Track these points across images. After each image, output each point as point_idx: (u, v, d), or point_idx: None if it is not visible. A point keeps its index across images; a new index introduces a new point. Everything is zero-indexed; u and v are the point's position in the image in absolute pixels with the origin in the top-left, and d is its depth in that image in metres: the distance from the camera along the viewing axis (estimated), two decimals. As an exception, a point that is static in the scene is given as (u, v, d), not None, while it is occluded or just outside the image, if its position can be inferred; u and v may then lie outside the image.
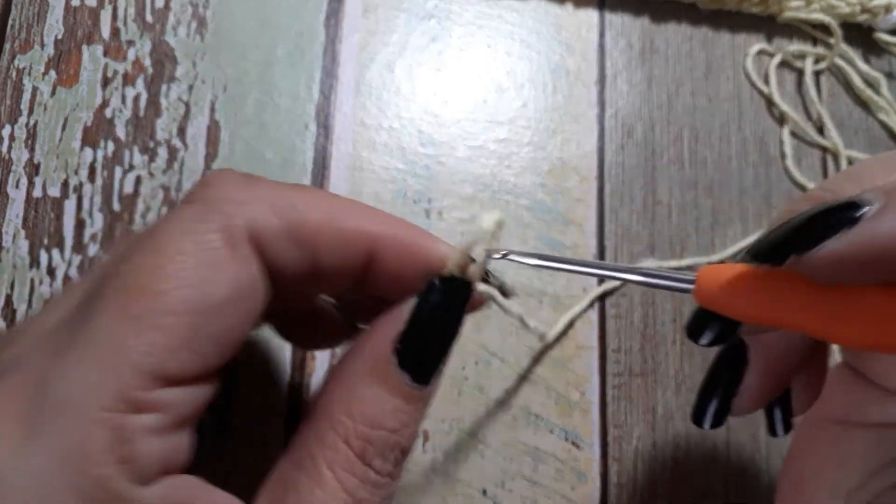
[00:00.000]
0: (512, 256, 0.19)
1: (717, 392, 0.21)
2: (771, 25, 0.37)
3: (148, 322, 0.15)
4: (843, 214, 0.14)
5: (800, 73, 0.36)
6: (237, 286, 0.16)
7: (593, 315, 0.31)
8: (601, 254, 0.32)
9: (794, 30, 0.37)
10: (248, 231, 0.16)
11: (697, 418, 0.21)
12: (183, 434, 0.16)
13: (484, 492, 0.29)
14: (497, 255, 0.19)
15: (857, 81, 0.36)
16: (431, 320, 0.18)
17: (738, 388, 0.21)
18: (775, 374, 0.20)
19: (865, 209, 0.14)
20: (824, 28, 0.36)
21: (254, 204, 0.17)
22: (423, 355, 0.18)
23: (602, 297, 0.31)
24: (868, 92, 0.36)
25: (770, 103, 0.35)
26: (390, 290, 0.19)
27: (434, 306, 0.18)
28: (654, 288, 0.18)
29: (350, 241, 0.18)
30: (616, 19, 0.36)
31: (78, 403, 0.14)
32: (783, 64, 0.36)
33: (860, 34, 0.37)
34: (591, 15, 0.35)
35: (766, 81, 0.36)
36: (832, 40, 0.36)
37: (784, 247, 0.15)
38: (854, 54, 0.36)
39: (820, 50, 0.36)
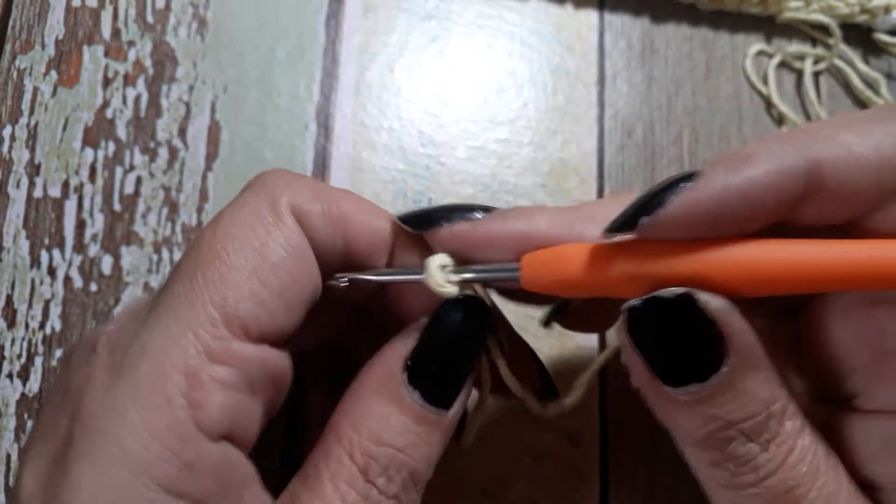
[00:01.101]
0: (354, 276, 0.20)
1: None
2: (770, 26, 0.37)
3: (216, 278, 0.17)
4: (678, 183, 0.17)
5: (799, 73, 0.36)
6: (290, 249, 0.18)
7: (593, 315, 0.31)
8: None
9: (794, 30, 0.37)
10: (290, 206, 0.18)
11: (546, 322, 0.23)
12: (251, 402, 0.17)
13: (484, 491, 0.29)
14: (344, 280, 0.20)
15: (857, 82, 0.36)
16: (444, 338, 0.19)
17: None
18: None
19: (695, 177, 0.17)
20: (824, 29, 0.36)
21: (297, 189, 0.19)
22: (436, 375, 0.18)
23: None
24: (868, 93, 0.36)
25: (769, 104, 0.36)
26: (406, 304, 0.20)
27: (448, 324, 0.19)
28: (486, 282, 0.20)
29: (378, 233, 0.20)
30: (616, 20, 0.36)
31: (157, 350, 0.16)
32: (782, 65, 0.36)
33: (859, 35, 0.37)
34: (590, 15, 0.35)
35: (766, 82, 0.36)
36: (832, 41, 0.36)
37: (636, 215, 0.17)
38: (853, 55, 0.36)
39: (819, 51, 0.36)
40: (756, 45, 0.36)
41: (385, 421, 0.18)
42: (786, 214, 0.17)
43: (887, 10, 0.36)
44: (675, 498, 0.30)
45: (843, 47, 0.36)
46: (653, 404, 0.19)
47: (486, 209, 0.20)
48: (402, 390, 0.18)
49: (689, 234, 0.17)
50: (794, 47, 0.36)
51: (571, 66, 0.35)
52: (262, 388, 0.17)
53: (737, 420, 0.17)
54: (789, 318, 0.22)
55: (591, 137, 0.34)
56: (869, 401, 0.20)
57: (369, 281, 0.20)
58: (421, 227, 0.20)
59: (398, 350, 0.19)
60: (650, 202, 0.17)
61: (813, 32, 0.37)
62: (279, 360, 0.18)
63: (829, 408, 0.21)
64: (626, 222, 0.17)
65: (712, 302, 0.17)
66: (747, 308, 0.18)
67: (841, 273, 0.16)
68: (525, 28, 0.35)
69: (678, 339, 0.17)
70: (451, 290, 0.19)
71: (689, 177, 0.17)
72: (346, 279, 0.20)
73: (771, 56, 0.36)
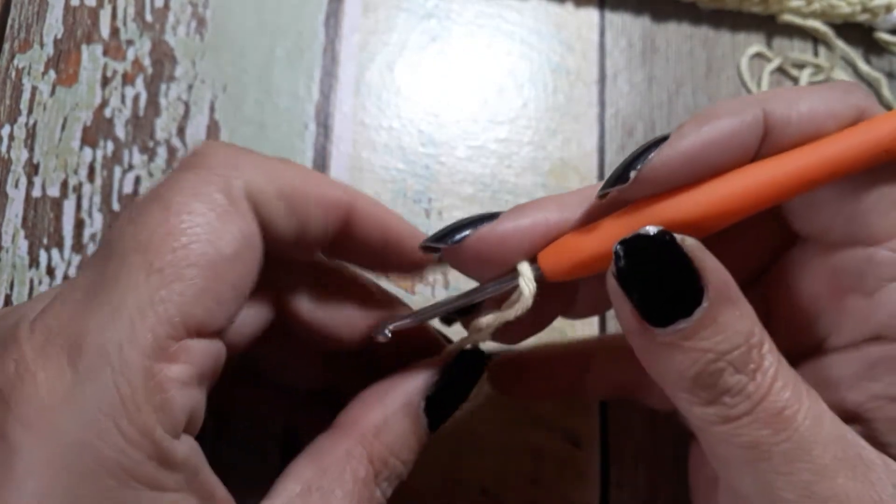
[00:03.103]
0: (396, 325, 0.22)
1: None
2: (772, 25, 0.36)
3: (172, 275, 0.16)
4: (656, 144, 0.20)
5: (795, 81, 0.36)
6: (242, 239, 0.18)
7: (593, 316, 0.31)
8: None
9: (795, 29, 0.37)
10: (245, 192, 0.18)
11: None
12: (202, 393, 0.18)
13: (484, 491, 0.29)
14: (388, 333, 0.22)
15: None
16: (459, 383, 0.22)
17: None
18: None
19: (665, 138, 0.20)
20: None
21: (249, 169, 0.19)
22: (442, 408, 0.22)
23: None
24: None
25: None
26: (357, 258, 0.23)
27: (460, 369, 0.22)
28: (510, 290, 0.22)
29: (332, 206, 0.20)
30: (616, 19, 0.35)
31: (117, 354, 0.16)
32: (780, 69, 0.36)
33: (861, 34, 0.37)
34: (591, 14, 0.35)
35: (760, 86, 0.36)
36: (835, 41, 0.36)
37: (625, 171, 0.20)
38: (855, 54, 0.36)
39: (820, 60, 0.36)
40: (755, 45, 0.36)
41: (402, 438, 0.21)
42: (748, 160, 0.20)
43: (888, 9, 0.36)
44: (675, 499, 0.30)
45: (844, 47, 0.36)
46: (642, 353, 0.20)
47: (494, 215, 0.22)
48: (419, 415, 0.21)
49: (669, 186, 0.20)
50: (796, 47, 0.36)
51: (572, 65, 0.35)
52: (207, 377, 0.18)
53: (724, 351, 0.18)
54: (756, 284, 0.24)
55: (592, 136, 0.34)
56: (838, 338, 0.22)
57: (411, 324, 0.22)
58: (447, 241, 0.21)
59: (421, 381, 0.22)
60: (634, 161, 0.20)
61: (815, 32, 0.36)
62: (221, 349, 0.18)
63: (803, 362, 0.23)
64: (616, 179, 0.20)
65: (687, 239, 0.19)
66: None
67: (780, 183, 0.19)
68: (525, 27, 0.35)
69: (660, 275, 0.19)
70: (530, 293, 0.21)
71: (664, 138, 0.20)
72: (389, 331, 0.22)
73: (769, 59, 0.36)
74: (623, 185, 0.20)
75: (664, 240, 0.19)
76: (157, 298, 0.16)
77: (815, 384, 0.20)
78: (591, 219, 0.21)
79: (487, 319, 0.22)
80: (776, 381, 0.19)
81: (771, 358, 0.19)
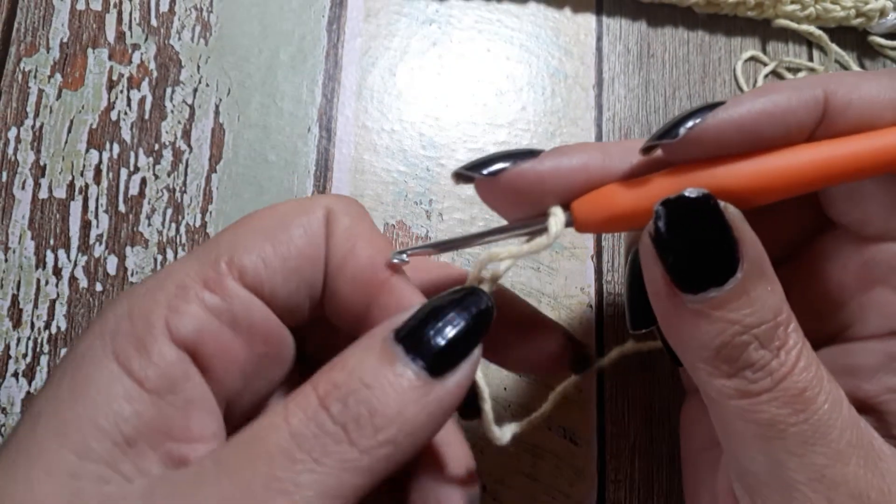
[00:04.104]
0: (413, 250, 0.21)
1: (637, 296, 0.23)
2: (766, 29, 0.37)
3: (238, 230, 0.20)
4: (710, 107, 0.19)
5: (795, 77, 0.37)
6: (308, 232, 0.20)
7: (591, 314, 0.32)
8: (598, 254, 0.33)
9: (790, 34, 0.37)
10: (326, 209, 0.20)
11: (634, 325, 0.23)
12: (230, 337, 0.19)
13: (484, 488, 0.29)
14: (405, 257, 0.20)
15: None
16: (439, 307, 0.19)
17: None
18: None
19: (720, 104, 0.19)
20: (820, 31, 0.37)
21: (340, 203, 0.21)
22: (421, 334, 0.18)
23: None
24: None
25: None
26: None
27: (443, 299, 0.19)
28: (533, 234, 0.21)
29: (373, 274, 0.21)
30: (613, 24, 0.36)
31: (168, 270, 0.19)
32: (775, 73, 0.37)
33: (855, 38, 0.37)
34: (588, 19, 0.36)
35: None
36: (829, 45, 0.36)
37: (674, 126, 0.19)
38: (849, 58, 0.37)
39: (814, 64, 0.37)
40: (750, 50, 0.36)
41: (359, 360, 0.18)
42: (802, 140, 0.19)
43: (882, 13, 0.36)
44: (670, 495, 0.30)
45: (839, 50, 0.36)
46: (667, 320, 0.20)
47: (535, 152, 0.21)
48: (385, 343, 0.18)
49: (715, 151, 0.19)
50: (791, 52, 0.37)
51: (570, 69, 0.35)
52: (245, 330, 0.19)
53: (751, 325, 0.18)
54: (780, 267, 0.24)
55: (589, 140, 0.34)
56: (861, 328, 0.22)
57: (429, 252, 0.21)
58: (480, 171, 0.21)
59: (386, 323, 0.19)
60: (685, 119, 0.19)
61: (809, 36, 0.37)
62: (269, 318, 0.20)
63: (820, 348, 0.22)
64: (663, 134, 0.19)
65: (729, 207, 0.18)
66: None
67: (827, 168, 0.19)
68: (524, 32, 0.35)
69: (699, 240, 0.18)
70: (553, 237, 0.20)
71: (719, 103, 0.19)
72: (406, 255, 0.20)
73: (765, 64, 0.37)
74: (670, 141, 0.19)
75: (709, 204, 0.18)
76: (217, 243, 0.19)
77: (832, 371, 0.20)
78: (630, 175, 0.20)
79: (497, 251, 0.20)
80: (800, 360, 0.19)
81: (796, 337, 0.19)
